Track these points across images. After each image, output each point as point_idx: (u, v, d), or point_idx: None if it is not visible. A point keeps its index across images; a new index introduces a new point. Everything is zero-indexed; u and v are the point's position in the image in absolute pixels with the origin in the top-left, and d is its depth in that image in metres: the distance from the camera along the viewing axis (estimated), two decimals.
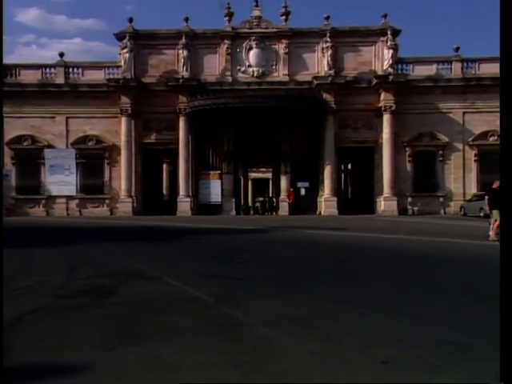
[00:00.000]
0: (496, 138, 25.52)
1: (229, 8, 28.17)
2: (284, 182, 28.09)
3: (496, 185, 12.00)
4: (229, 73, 28.08)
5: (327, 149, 27.50)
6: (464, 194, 26.90)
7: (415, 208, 27.32)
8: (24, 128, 27.69)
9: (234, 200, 28.13)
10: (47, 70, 28.56)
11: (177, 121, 27.75)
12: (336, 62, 27.40)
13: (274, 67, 28.15)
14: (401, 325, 3.76)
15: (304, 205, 27.34)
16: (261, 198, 48.16)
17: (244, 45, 28.13)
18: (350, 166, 33.49)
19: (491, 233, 11.54)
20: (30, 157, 27.73)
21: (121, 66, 27.76)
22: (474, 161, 27.23)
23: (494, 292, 3.20)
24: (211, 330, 3.66)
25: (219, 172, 28.26)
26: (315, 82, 27.19)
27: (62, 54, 28.82)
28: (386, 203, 26.86)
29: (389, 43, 26.98)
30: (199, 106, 26.69)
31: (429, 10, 75.78)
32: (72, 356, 3.16)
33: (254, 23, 28.18)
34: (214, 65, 28.19)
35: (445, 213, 27.00)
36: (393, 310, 4.26)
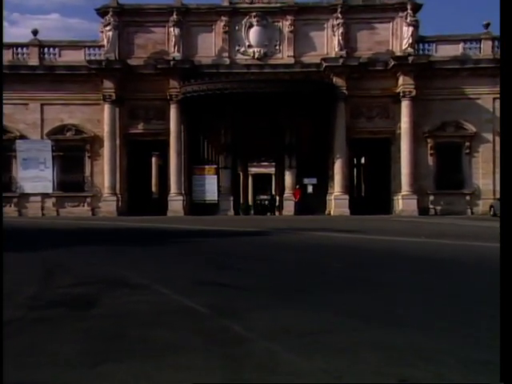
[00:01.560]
0: None
1: None
2: (289, 178, 28.10)
3: None
4: (226, 54, 28.07)
5: (338, 140, 27.49)
6: (494, 191, 26.85)
7: (438, 207, 27.33)
8: None
9: (232, 198, 28.16)
10: (19, 49, 28.63)
11: (167, 108, 27.76)
12: (348, 42, 27.38)
13: (277, 47, 28.14)
14: (419, 340, 3.76)
15: (311, 204, 27.37)
16: (263, 197, 48.19)
17: (243, 22, 28.11)
18: (363, 160, 33.50)
19: None
20: None
21: (103, 46, 27.77)
22: None
23: None
24: (206, 345, 3.67)
25: (215, 167, 28.29)
26: (324, 65, 27.18)
27: (35, 32, 28.84)
28: (404, 202, 26.86)
29: (408, 19, 26.94)
30: (193, 92, 26.69)
31: None
32: (49, 375, 3.16)
33: None
34: (209, 45, 28.18)
35: (472, 213, 26.99)
36: (412, 324, 4.26)
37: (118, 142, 27.95)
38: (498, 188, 26.82)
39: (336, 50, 27.26)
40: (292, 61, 27.93)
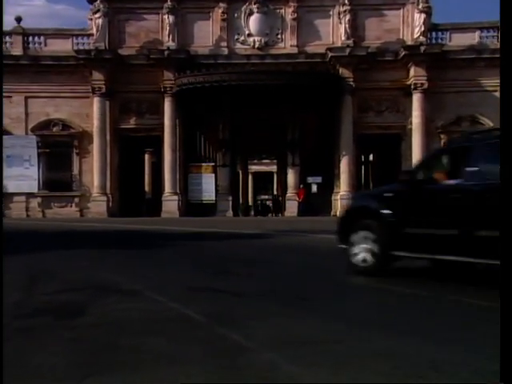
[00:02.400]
0: None
1: None
2: (292, 177, 28.13)
3: None
4: (224, 43, 28.09)
5: (344, 136, 27.50)
6: None
7: None
8: None
9: (230, 198, 28.19)
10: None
11: (161, 102, 27.79)
12: (355, 30, 27.40)
13: (279, 36, 28.17)
14: (431, 349, 3.75)
15: (316, 204, 27.40)
16: (264, 196, 48.20)
17: (243, 9, 28.15)
18: (371, 158, 33.51)
19: None
20: None
21: (92, 35, 27.80)
22: None
23: None
24: (203, 356, 3.66)
25: (213, 164, 28.33)
26: (330, 55, 27.20)
27: (19, 19, 28.87)
28: None
29: (420, 6, 26.96)
30: (188, 84, 26.70)
31: None
32: None
33: None
34: (206, 33, 28.20)
35: None
36: (424, 334, 4.25)
37: (108, 137, 27.98)
38: None
39: (342, 38, 27.26)
40: (295, 51, 27.94)
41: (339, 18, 27.52)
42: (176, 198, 27.80)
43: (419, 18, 27.04)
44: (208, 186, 28.09)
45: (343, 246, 7.48)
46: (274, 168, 51.26)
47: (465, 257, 6.14)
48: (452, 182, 6.55)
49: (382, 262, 6.96)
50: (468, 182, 6.18)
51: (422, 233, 6.57)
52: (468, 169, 6.28)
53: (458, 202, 6.28)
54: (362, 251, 7.09)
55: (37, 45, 28.60)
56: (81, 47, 28.20)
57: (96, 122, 27.78)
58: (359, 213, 7.61)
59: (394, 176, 29.88)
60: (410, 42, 27.26)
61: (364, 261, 7.06)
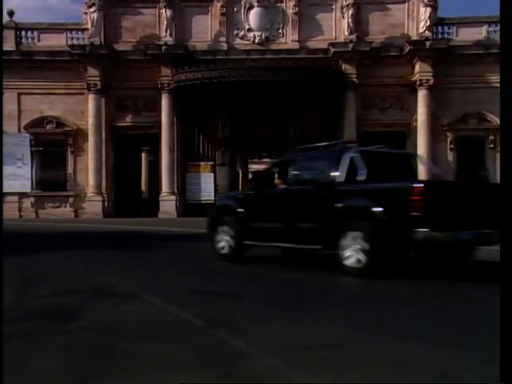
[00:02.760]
0: None
1: None
2: None
3: None
4: (223, 38, 28.08)
5: (347, 134, 27.44)
6: None
7: None
8: None
9: None
10: None
11: (158, 99, 27.79)
12: (359, 25, 27.40)
13: (280, 31, 28.16)
14: (438, 355, 3.76)
15: None
16: None
17: (243, 3, 28.15)
18: None
19: None
20: None
21: (87, 29, 27.79)
22: None
23: None
24: (202, 361, 3.66)
25: (212, 163, 28.32)
26: (332, 50, 27.19)
27: (11, 13, 28.84)
28: None
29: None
30: (186, 81, 26.69)
31: None
32: None
33: None
34: (204, 28, 28.20)
35: None
36: (428, 338, 4.26)
37: (103, 135, 27.97)
38: None
39: (345, 33, 27.24)
40: (296, 46, 27.93)
41: (342, 12, 27.50)
42: (173, 198, 27.79)
43: (425, 12, 27.01)
44: (207, 185, 28.06)
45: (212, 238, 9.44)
46: None
47: (289, 244, 8.45)
48: (282, 186, 8.80)
49: (237, 250, 9.06)
50: (290, 187, 8.56)
51: (262, 226, 8.74)
52: (290, 176, 8.71)
53: (283, 202, 8.57)
54: (223, 241, 9.16)
55: (30, 40, 28.57)
56: (75, 42, 28.17)
57: (91, 120, 27.76)
58: (222, 210, 9.77)
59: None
60: (415, 37, 27.22)
61: (223, 248, 9.17)
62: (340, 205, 7.46)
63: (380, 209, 7.04)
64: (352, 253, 7.20)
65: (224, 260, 9.08)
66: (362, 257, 7.11)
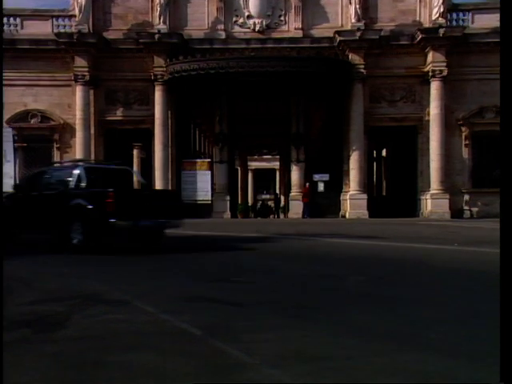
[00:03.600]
0: None
1: None
2: (296, 174, 28.18)
3: None
4: (221, 26, 28.10)
5: (354, 129, 27.52)
6: None
7: (474, 209, 27.39)
8: None
9: (228, 198, 28.24)
10: None
11: (151, 91, 27.82)
12: (367, 11, 27.44)
13: (282, 18, 28.18)
14: (451, 366, 3.75)
15: (322, 204, 27.45)
16: (265, 196, 48.20)
17: None
18: (384, 153, 33.54)
19: None
20: None
21: (74, 16, 27.81)
22: None
23: None
24: (199, 373, 3.65)
25: (209, 160, 28.40)
26: (338, 39, 27.22)
27: None
28: (433, 202, 26.94)
29: None
30: (182, 72, 26.71)
31: None
32: None
33: None
34: (201, 15, 28.21)
35: None
36: (440, 348, 4.26)
37: (92, 131, 27.99)
38: None
39: (352, 20, 27.24)
40: (300, 34, 27.92)
41: None
42: None
43: None
44: (203, 184, 28.07)
45: None
46: (276, 164, 51.39)
47: (41, 230, 12.84)
48: (35, 192, 12.75)
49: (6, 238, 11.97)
50: (41, 192, 12.57)
51: (25, 218, 12.92)
52: (44, 182, 12.93)
53: (38, 201, 12.65)
54: None
55: (12, 27, 28.52)
56: (62, 30, 28.14)
57: (79, 114, 27.75)
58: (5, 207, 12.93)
59: (410, 173, 29.69)
60: (427, 25, 27.21)
61: None
62: (71, 203, 11.53)
63: (91, 206, 11.11)
64: (76, 235, 11.26)
65: None
66: (81, 238, 11.18)
